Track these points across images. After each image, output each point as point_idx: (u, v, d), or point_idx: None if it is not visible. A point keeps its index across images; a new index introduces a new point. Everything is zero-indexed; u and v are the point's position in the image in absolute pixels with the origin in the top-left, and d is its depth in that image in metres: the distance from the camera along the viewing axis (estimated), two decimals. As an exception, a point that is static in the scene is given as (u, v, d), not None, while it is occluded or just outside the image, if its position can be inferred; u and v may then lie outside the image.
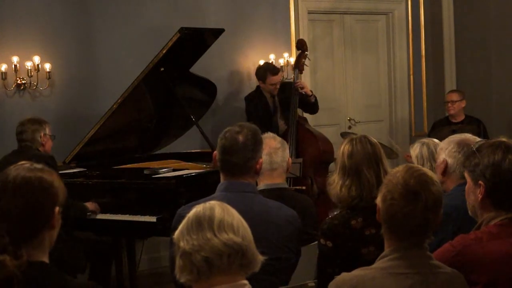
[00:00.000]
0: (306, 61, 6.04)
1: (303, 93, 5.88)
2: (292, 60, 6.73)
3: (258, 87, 6.10)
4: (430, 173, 2.17)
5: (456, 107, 6.50)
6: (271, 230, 2.59)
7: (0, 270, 1.79)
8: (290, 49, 6.84)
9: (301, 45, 6.06)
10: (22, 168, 1.99)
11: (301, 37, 6.82)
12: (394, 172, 2.17)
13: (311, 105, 6.06)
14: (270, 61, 6.57)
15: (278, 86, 5.94)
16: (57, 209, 1.98)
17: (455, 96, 6.53)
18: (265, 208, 2.65)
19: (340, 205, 2.74)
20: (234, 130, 2.70)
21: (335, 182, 2.73)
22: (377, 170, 2.68)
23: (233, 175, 2.68)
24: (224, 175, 2.71)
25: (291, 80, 6.10)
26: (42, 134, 4.67)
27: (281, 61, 6.71)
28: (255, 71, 6.12)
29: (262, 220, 2.55)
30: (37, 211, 1.95)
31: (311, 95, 5.98)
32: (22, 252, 1.88)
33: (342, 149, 2.75)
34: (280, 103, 6.01)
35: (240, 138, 2.66)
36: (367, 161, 2.68)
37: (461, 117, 6.53)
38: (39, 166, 2.02)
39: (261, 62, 6.55)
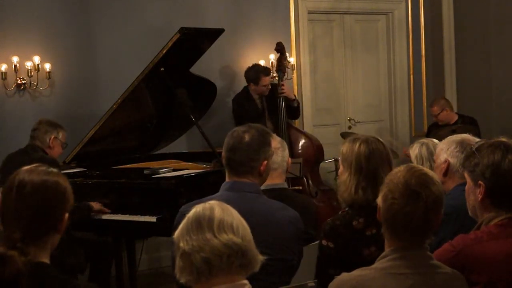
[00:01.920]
0: (287, 63, 6.06)
1: (285, 96, 5.89)
2: (292, 60, 6.74)
3: (245, 88, 6.11)
4: (431, 173, 2.17)
5: (442, 117, 6.51)
6: (273, 230, 2.58)
7: (9, 266, 1.80)
8: (290, 49, 6.84)
9: (280, 48, 6.06)
10: (40, 170, 2.02)
11: (301, 37, 6.83)
12: (395, 172, 2.17)
13: (293, 110, 6.06)
14: (270, 61, 6.57)
15: (269, 86, 5.97)
16: (66, 214, 2.00)
17: (435, 110, 6.56)
18: (267, 208, 2.65)
19: (346, 204, 2.71)
20: (242, 129, 2.69)
21: (348, 183, 2.66)
22: (389, 172, 2.63)
23: (236, 173, 2.67)
24: (228, 173, 2.71)
25: (276, 82, 6.10)
26: (52, 137, 4.70)
27: (281, 61, 6.71)
28: (244, 74, 6.11)
29: (264, 221, 2.55)
30: (49, 214, 1.98)
31: (294, 99, 6.00)
32: (29, 250, 1.91)
33: (356, 149, 2.66)
34: (267, 104, 6.02)
35: (246, 137, 2.66)
36: (383, 164, 2.64)
37: (454, 119, 6.52)
38: (55, 170, 2.06)
39: (262, 63, 6.58)
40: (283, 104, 5.88)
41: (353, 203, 2.65)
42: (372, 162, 2.64)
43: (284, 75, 6.09)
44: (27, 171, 2.02)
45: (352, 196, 2.64)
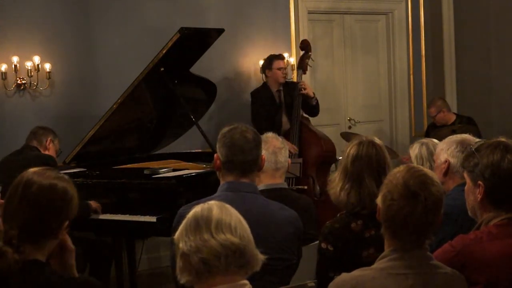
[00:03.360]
0: (310, 62, 6.06)
1: (305, 94, 5.90)
2: (292, 60, 6.74)
3: (264, 83, 6.15)
4: (430, 173, 2.17)
5: (439, 119, 6.51)
6: (272, 230, 2.58)
7: (1, 261, 1.81)
8: (290, 49, 6.84)
9: (305, 46, 6.09)
10: (49, 174, 2.02)
11: (301, 37, 6.82)
12: (395, 172, 2.16)
13: (311, 107, 6.07)
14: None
15: (285, 72, 6.01)
16: (66, 223, 2.00)
17: (432, 111, 6.57)
18: (266, 208, 2.65)
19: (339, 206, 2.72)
20: (241, 129, 2.67)
21: (335, 182, 2.68)
22: (378, 179, 2.57)
23: (243, 173, 2.65)
24: (229, 174, 2.67)
25: (294, 80, 6.11)
26: (49, 139, 4.83)
27: (281, 61, 6.71)
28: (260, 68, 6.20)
29: (263, 221, 2.55)
30: (49, 218, 1.97)
31: (313, 97, 6.00)
32: (24, 249, 1.91)
33: (348, 150, 2.68)
34: (285, 99, 6.04)
35: (249, 136, 2.66)
36: (369, 169, 2.61)
37: (452, 120, 6.52)
38: (66, 176, 2.06)
39: (262, 63, 6.58)
40: (300, 101, 5.89)
41: (338, 203, 2.66)
42: (357, 165, 2.62)
43: (305, 74, 6.09)
44: (36, 173, 2.02)
45: (336, 197, 2.65)
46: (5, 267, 1.84)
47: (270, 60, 6.06)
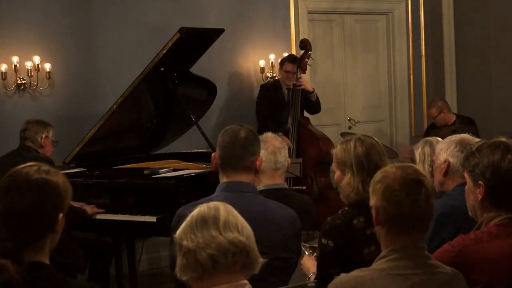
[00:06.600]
0: (310, 61, 6.06)
1: (303, 89, 5.90)
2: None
3: (278, 80, 6.23)
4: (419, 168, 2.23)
5: (439, 120, 6.49)
6: (271, 230, 2.58)
7: (2, 275, 1.79)
8: (290, 49, 6.84)
9: (304, 45, 6.08)
10: (34, 169, 1.96)
11: (301, 37, 6.83)
12: (385, 170, 2.16)
13: (312, 104, 6.07)
14: (270, 61, 6.59)
15: (292, 77, 6.00)
16: (61, 215, 1.97)
17: (432, 112, 6.53)
18: (265, 208, 2.65)
19: (349, 203, 2.70)
20: (235, 127, 2.71)
21: (353, 183, 2.64)
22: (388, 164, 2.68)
23: (234, 170, 2.66)
24: (224, 173, 2.68)
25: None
26: (43, 136, 4.72)
27: (281, 61, 6.71)
28: None
29: (262, 220, 2.55)
30: (43, 215, 1.93)
31: (312, 92, 6.00)
32: (23, 257, 1.87)
33: (353, 149, 2.66)
34: (292, 100, 6.06)
35: (241, 133, 2.68)
36: (381, 157, 2.66)
37: (452, 120, 6.51)
38: (53, 169, 1.99)
39: (262, 63, 6.59)
40: (298, 100, 5.90)
41: (364, 201, 2.64)
42: (372, 158, 2.64)
43: (304, 73, 6.10)
44: (21, 169, 1.96)
45: (361, 195, 2.61)
46: (8, 280, 1.81)
47: (283, 61, 6.13)
